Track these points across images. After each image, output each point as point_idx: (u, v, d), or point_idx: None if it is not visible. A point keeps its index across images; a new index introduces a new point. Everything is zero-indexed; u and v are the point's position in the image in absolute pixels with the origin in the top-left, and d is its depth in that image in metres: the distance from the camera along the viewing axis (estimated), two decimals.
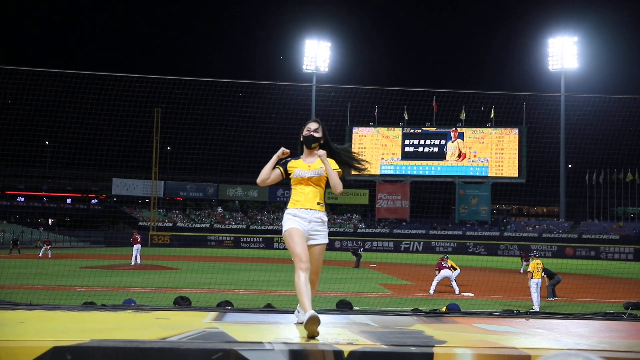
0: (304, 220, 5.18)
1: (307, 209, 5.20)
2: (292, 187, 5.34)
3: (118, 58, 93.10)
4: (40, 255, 34.13)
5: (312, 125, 5.32)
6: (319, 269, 5.27)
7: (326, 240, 5.27)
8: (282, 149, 5.34)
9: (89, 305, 6.89)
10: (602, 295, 17.98)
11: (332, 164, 5.25)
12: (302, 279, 4.97)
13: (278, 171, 5.33)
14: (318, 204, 5.24)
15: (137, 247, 27.81)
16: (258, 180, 5.31)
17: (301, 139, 5.36)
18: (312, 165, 5.28)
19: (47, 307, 6.09)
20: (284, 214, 5.32)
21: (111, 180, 68.55)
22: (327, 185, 5.31)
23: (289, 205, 5.29)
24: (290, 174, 5.30)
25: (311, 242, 5.19)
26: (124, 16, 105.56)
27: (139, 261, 27.62)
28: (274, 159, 5.28)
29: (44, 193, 74.04)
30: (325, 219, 5.30)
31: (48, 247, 34.96)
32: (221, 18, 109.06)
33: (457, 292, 18.77)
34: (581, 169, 65.08)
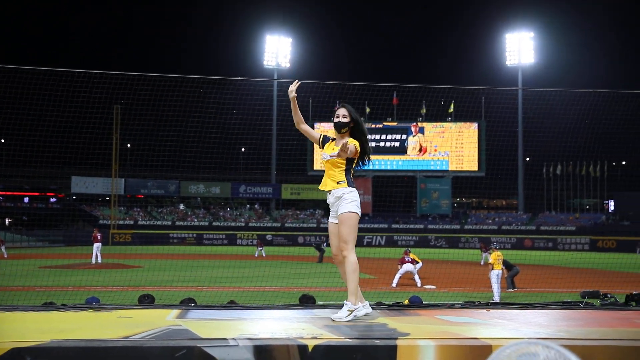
0: (330, 205, 5.58)
1: (328, 191, 5.52)
2: None
3: (78, 55, 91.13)
4: None
5: (340, 112, 5.53)
6: (344, 239, 5.37)
7: (345, 209, 5.38)
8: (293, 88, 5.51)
9: (49, 306, 6.77)
10: (560, 285, 18.36)
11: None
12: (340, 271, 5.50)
13: (319, 135, 5.66)
14: (338, 183, 5.47)
15: (97, 246, 27.36)
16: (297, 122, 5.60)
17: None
18: (330, 148, 5.55)
19: (4, 308, 5.98)
20: None
21: (70, 178, 67.19)
22: (350, 160, 5.44)
23: None
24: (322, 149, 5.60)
25: (336, 219, 5.51)
26: (85, 13, 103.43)
27: (99, 260, 27.18)
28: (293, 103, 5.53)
29: (0, 192, 72.30)
30: (342, 192, 5.42)
31: (2, 247, 34.09)
32: (181, 13, 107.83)
33: (419, 284, 18.94)
34: (538, 161, 66.37)
